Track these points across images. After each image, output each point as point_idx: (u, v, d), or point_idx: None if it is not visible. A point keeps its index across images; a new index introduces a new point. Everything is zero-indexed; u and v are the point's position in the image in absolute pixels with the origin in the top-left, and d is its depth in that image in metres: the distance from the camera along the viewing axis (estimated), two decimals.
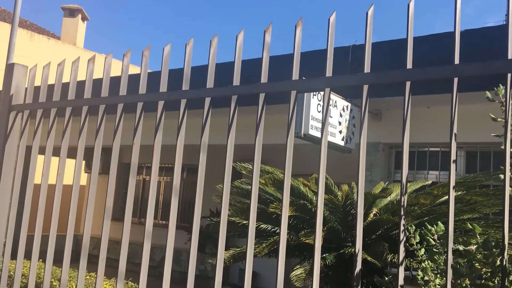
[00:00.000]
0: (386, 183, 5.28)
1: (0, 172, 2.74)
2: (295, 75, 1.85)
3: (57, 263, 2.77)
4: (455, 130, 1.49)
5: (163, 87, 2.21)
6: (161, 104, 2.20)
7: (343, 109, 6.44)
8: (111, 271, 3.74)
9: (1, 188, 2.73)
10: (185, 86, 2.14)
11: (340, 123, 6.41)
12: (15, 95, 2.76)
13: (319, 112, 5.97)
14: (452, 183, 1.41)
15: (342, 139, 6.42)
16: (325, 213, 4.20)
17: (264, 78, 1.92)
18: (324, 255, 3.81)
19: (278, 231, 4.16)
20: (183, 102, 2.14)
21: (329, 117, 6.33)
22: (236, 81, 2.00)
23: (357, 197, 1.60)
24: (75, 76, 2.53)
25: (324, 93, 1.79)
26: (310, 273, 3.72)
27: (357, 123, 6.79)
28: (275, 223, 4.25)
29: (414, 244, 2.39)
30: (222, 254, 1.91)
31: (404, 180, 1.53)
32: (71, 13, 22.17)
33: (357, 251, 1.56)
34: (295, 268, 3.91)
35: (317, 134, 5.87)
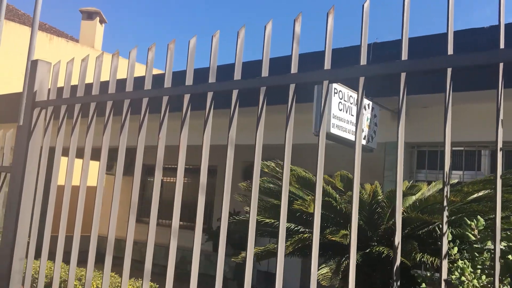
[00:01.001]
0: (410, 182, 5.16)
1: (24, 170, 2.71)
2: (327, 65, 1.79)
3: (79, 264, 2.74)
4: (501, 116, 1.41)
5: (189, 80, 2.17)
6: (187, 97, 2.15)
7: (365, 108, 6.35)
8: (134, 272, 3.71)
9: (25, 187, 2.70)
10: (212, 79, 2.09)
11: None
12: (38, 92, 2.74)
13: (341, 110, 5.89)
14: (499, 170, 1.34)
15: (364, 138, 6.32)
16: (350, 211, 4.11)
17: (294, 69, 1.86)
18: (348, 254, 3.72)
19: (301, 229, 4.09)
20: (210, 95, 2.09)
21: (350, 115, 6.25)
22: (265, 72, 1.94)
23: (396, 186, 1.53)
24: (99, 71, 2.50)
25: (359, 83, 1.73)
26: (336, 271, 3.64)
27: (379, 121, 6.68)
28: (299, 221, 4.18)
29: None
30: (251, 252, 1.84)
31: (446, 169, 1.46)
32: (89, 16, 22.40)
33: (396, 244, 1.49)
34: (320, 267, 3.83)
35: (339, 132, 5.78)
